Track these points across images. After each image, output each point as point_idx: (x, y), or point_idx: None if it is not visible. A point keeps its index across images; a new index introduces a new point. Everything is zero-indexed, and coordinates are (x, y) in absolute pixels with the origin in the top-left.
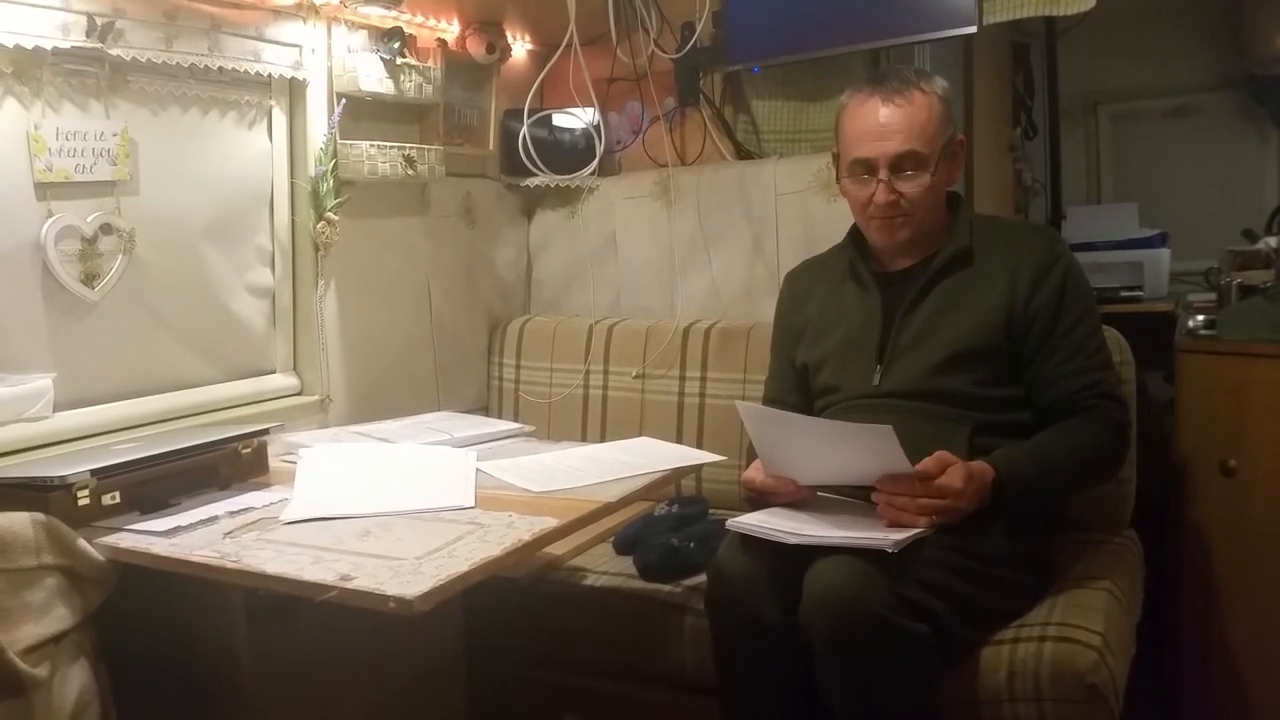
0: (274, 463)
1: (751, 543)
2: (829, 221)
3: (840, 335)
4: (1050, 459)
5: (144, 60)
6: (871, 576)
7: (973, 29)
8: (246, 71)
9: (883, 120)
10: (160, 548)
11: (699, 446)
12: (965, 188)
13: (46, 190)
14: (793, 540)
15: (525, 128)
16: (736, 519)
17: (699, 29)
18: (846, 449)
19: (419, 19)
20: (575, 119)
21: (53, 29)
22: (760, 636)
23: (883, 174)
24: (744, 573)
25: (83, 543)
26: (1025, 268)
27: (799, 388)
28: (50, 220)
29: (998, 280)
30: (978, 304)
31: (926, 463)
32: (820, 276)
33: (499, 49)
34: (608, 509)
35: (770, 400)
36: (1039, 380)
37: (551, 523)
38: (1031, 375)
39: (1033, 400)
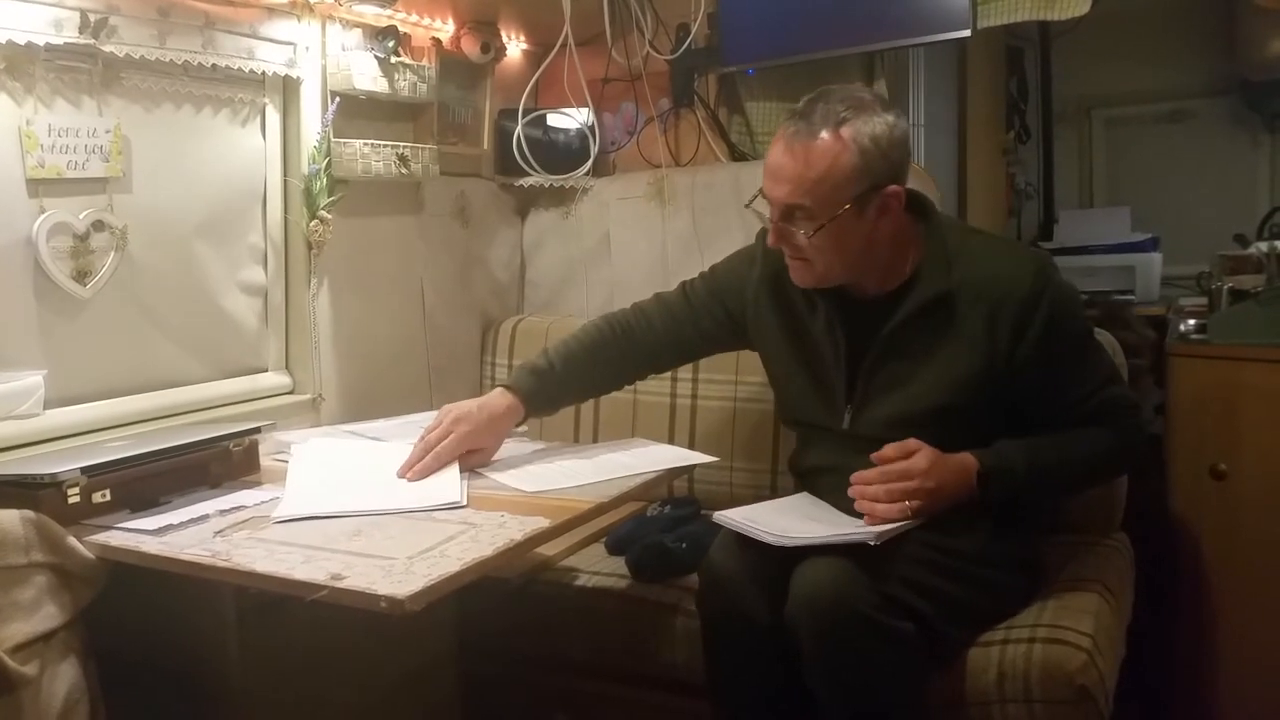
0: (265, 461)
1: (744, 542)
2: None
3: (805, 364)
4: (1042, 454)
5: (137, 57)
6: (856, 576)
7: (967, 33)
8: (240, 69)
9: (776, 163)
10: (150, 546)
11: (691, 447)
12: (959, 191)
13: (38, 186)
14: (774, 541)
15: (520, 127)
16: (723, 513)
17: (694, 30)
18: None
19: (414, 18)
20: (570, 119)
21: (46, 25)
22: (751, 636)
23: (773, 214)
24: (735, 572)
25: (73, 541)
26: (1005, 313)
27: (676, 325)
28: (42, 217)
29: (975, 331)
30: (951, 360)
31: (887, 449)
32: (784, 281)
33: (494, 48)
34: (600, 509)
35: (639, 308)
36: (1042, 416)
37: (543, 523)
38: (1035, 415)
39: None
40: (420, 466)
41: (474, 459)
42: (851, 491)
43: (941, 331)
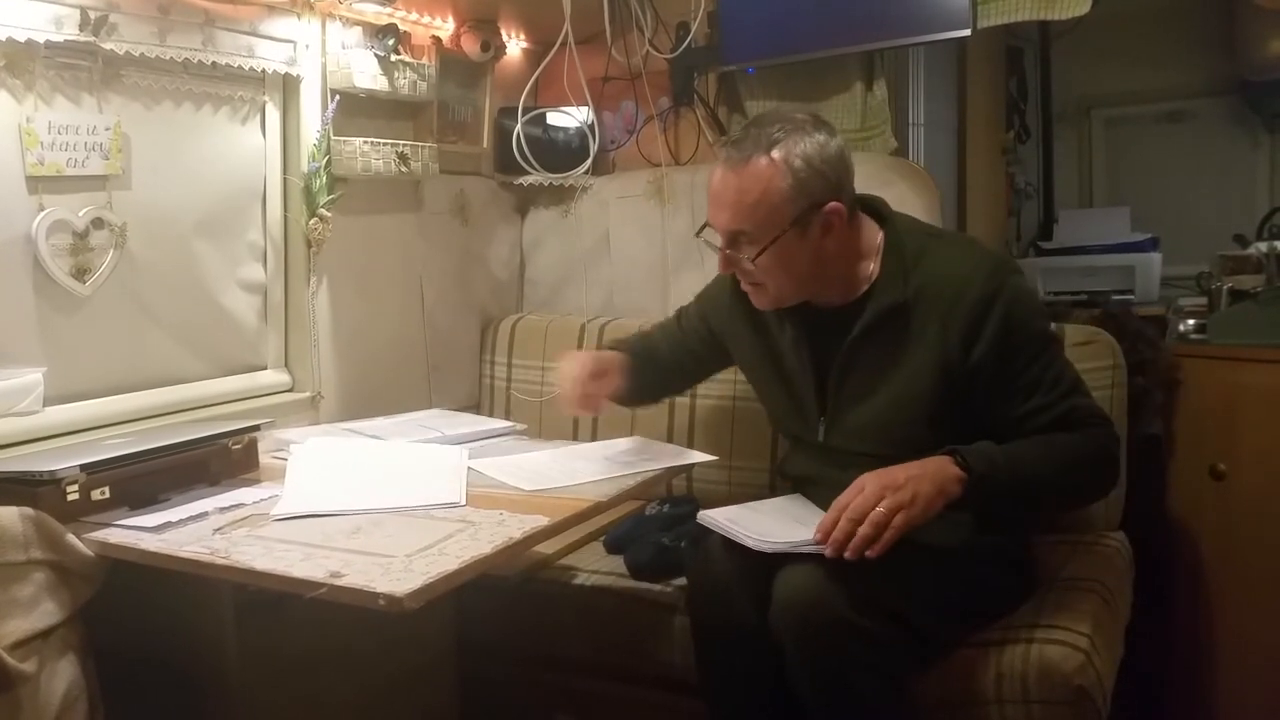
0: (265, 459)
1: (731, 544)
2: None
3: (779, 378)
4: (1017, 447)
5: (137, 54)
6: (836, 578)
7: (967, 32)
8: (240, 67)
9: (715, 191)
10: (149, 543)
11: (690, 446)
12: (959, 191)
13: (38, 184)
14: (753, 545)
15: (519, 126)
16: (706, 513)
17: (694, 29)
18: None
19: (414, 16)
20: (569, 117)
21: (46, 22)
22: (739, 638)
23: (720, 242)
24: (722, 575)
25: (71, 538)
26: (957, 318)
27: (676, 350)
28: (42, 214)
29: (932, 338)
30: (913, 370)
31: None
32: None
33: (494, 47)
34: (598, 508)
35: (644, 335)
36: (1000, 426)
37: (542, 521)
38: (1000, 422)
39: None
40: (580, 395)
41: (606, 384)
42: (828, 553)
43: (901, 341)
